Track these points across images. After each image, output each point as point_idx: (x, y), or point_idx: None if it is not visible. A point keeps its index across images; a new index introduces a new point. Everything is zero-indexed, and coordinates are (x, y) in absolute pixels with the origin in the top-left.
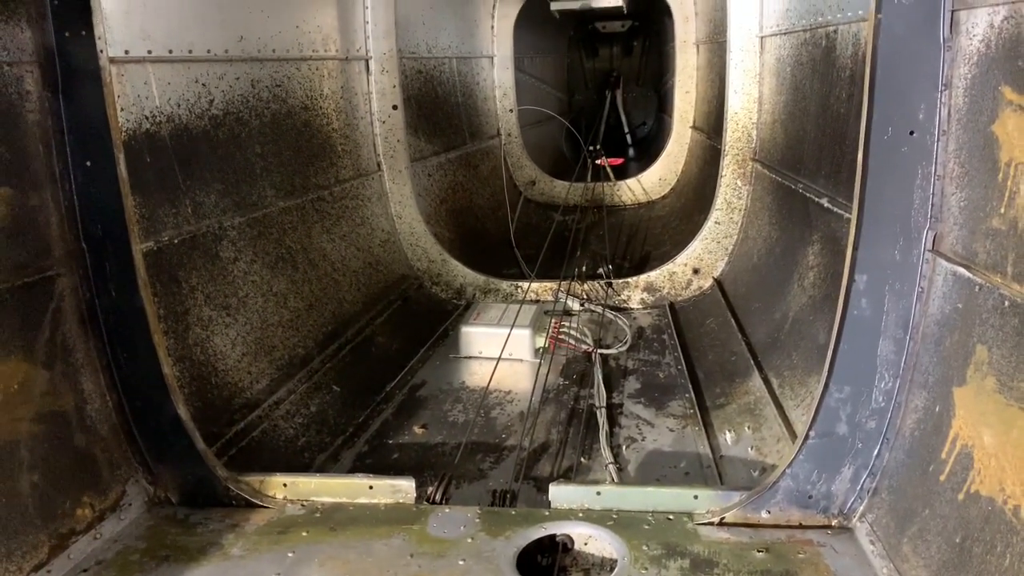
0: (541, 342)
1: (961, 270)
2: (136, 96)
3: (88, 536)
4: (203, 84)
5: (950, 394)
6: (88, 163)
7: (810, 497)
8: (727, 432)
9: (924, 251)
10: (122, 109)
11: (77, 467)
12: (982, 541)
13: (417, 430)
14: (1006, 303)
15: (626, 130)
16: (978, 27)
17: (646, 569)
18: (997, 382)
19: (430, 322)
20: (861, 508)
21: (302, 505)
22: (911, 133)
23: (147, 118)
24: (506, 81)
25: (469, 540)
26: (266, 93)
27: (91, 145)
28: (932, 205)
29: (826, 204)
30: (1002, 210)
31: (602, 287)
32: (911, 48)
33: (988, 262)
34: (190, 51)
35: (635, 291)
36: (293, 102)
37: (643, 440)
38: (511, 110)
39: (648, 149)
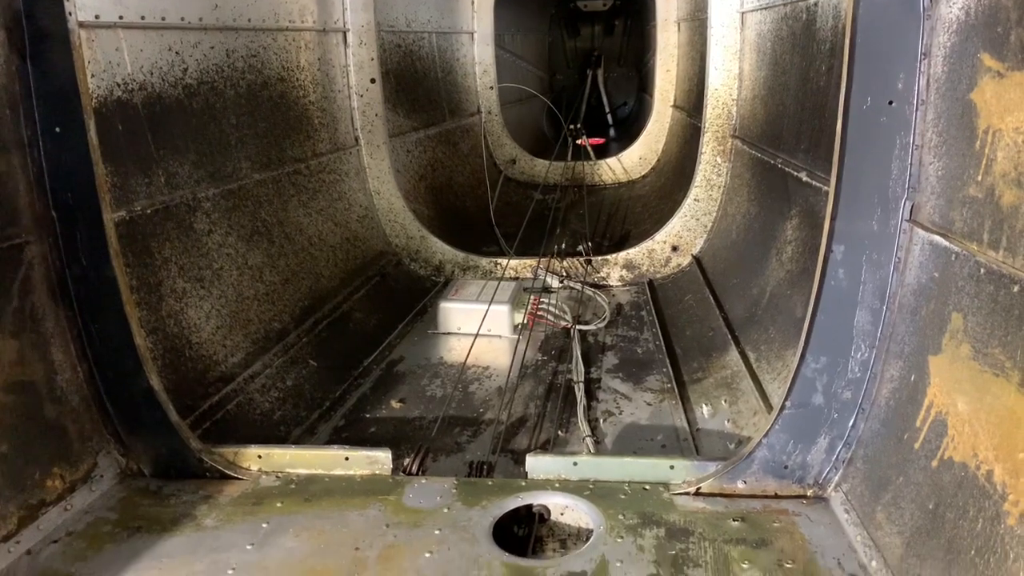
0: (520, 318)
1: (938, 239)
2: (107, 63)
3: (58, 507)
4: (176, 52)
5: (925, 363)
6: (57, 129)
7: (786, 467)
8: (704, 406)
9: (902, 221)
10: (92, 75)
11: (47, 438)
12: (955, 506)
13: (395, 404)
14: (981, 270)
15: (607, 110)
16: None
17: (622, 538)
18: (972, 349)
19: (408, 298)
20: (836, 478)
21: (277, 477)
22: (890, 103)
23: (118, 85)
24: (486, 58)
25: (445, 510)
26: (241, 63)
27: (60, 111)
28: (910, 175)
29: (804, 178)
30: (979, 178)
31: (581, 265)
32: (891, 17)
33: (965, 230)
34: (163, 18)
35: (614, 268)
36: (269, 73)
37: (620, 414)
38: (491, 87)
39: (629, 130)
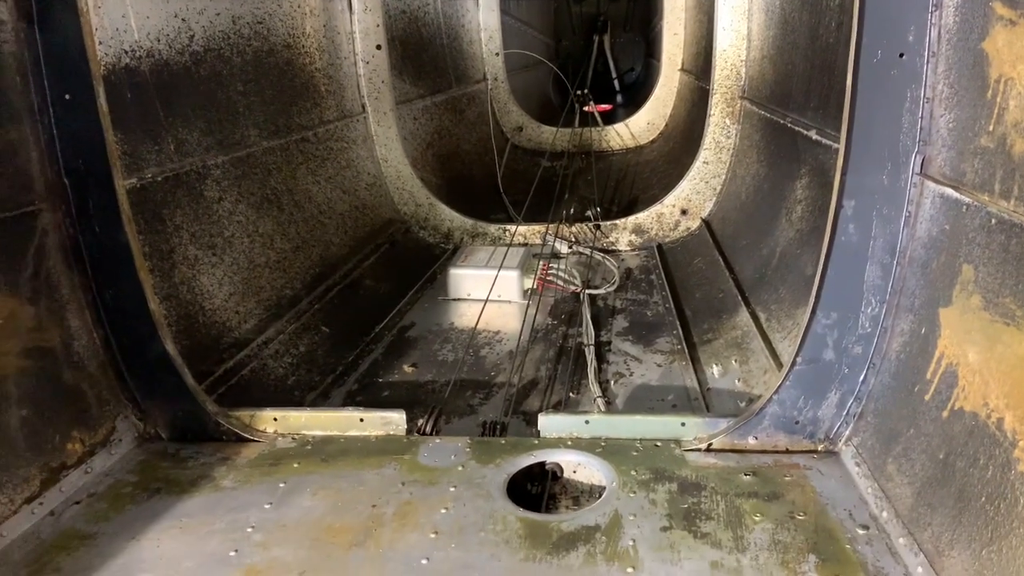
0: (529, 284)
1: (949, 191)
2: (115, 30)
3: (79, 470)
4: (183, 19)
5: (936, 315)
6: (67, 96)
7: (796, 423)
8: (714, 365)
9: (912, 175)
10: (100, 43)
11: (66, 402)
12: (965, 455)
13: (407, 369)
14: (993, 220)
15: (614, 76)
16: None
17: (634, 493)
18: (983, 299)
19: (418, 265)
20: (847, 432)
21: (293, 438)
22: (900, 56)
23: (126, 52)
24: (492, 24)
25: (460, 468)
26: (247, 30)
27: (69, 77)
28: (921, 128)
29: (814, 136)
30: (991, 128)
31: (590, 230)
32: None
33: (976, 181)
34: None
35: (623, 233)
36: (275, 40)
37: (631, 375)
38: (497, 54)
39: (636, 96)
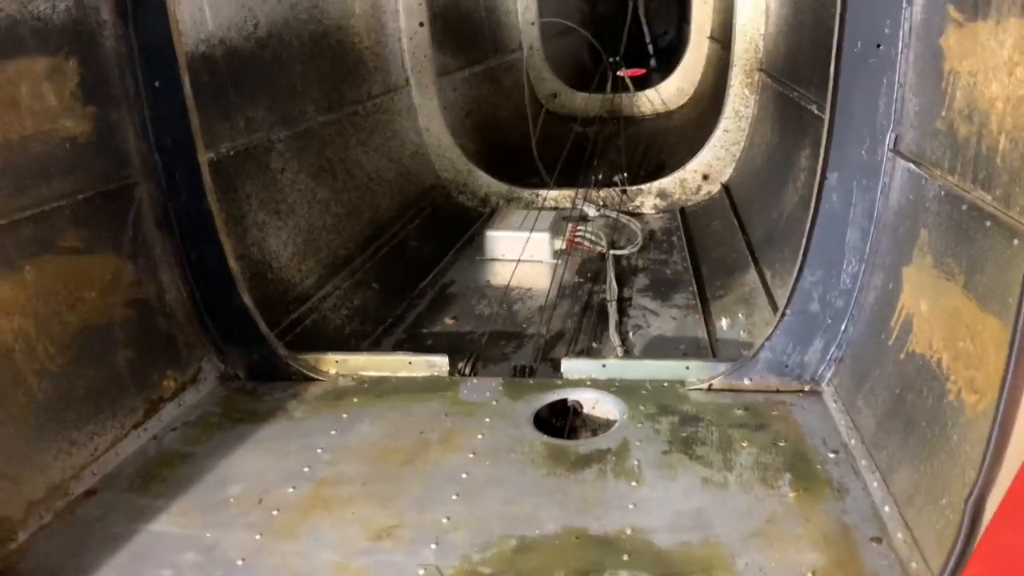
0: (559, 245)
1: (912, 166)
2: (193, 22)
3: (173, 403)
4: (249, 8)
5: (900, 273)
6: (157, 83)
7: (786, 366)
8: (723, 318)
9: (887, 151)
10: (182, 34)
11: (161, 346)
12: (913, 390)
13: (448, 321)
14: (943, 192)
15: (648, 40)
16: None
17: (641, 424)
18: (933, 259)
19: (457, 228)
20: (829, 375)
21: (352, 378)
22: (878, 46)
23: (203, 41)
24: None
25: (494, 403)
26: (304, 15)
27: (159, 67)
28: (894, 110)
29: (815, 111)
30: (943, 113)
31: (617, 194)
32: None
33: (932, 158)
34: None
35: (648, 197)
36: (328, 22)
37: (648, 327)
38: (533, 23)
39: (670, 59)
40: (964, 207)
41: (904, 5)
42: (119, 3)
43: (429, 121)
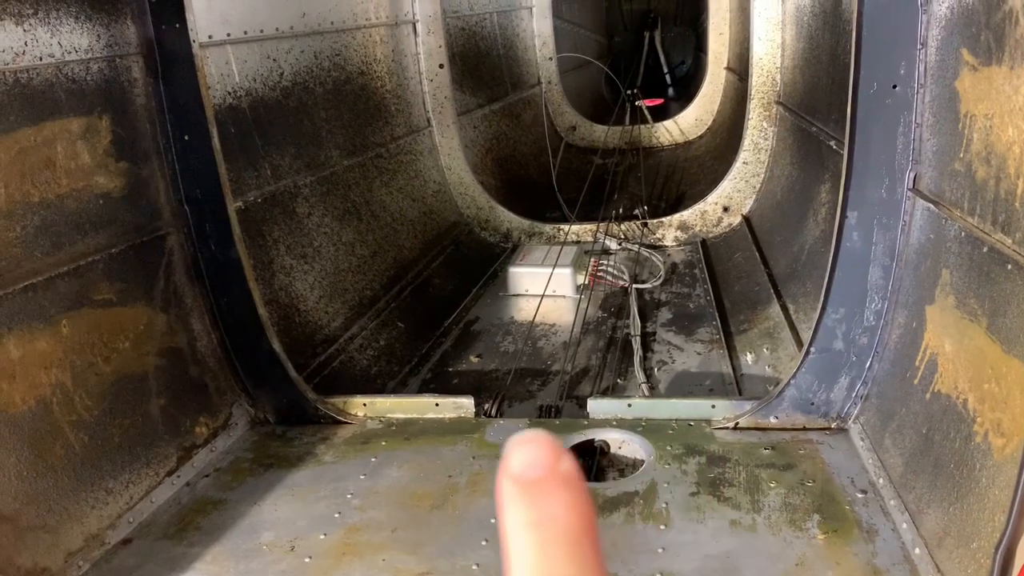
0: (581, 279)
1: (932, 206)
2: (220, 75)
3: (206, 449)
4: (274, 59)
5: (923, 311)
6: (186, 137)
7: (812, 404)
8: (748, 353)
9: (906, 190)
10: (209, 88)
11: (193, 393)
12: (940, 430)
13: (473, 359)
14: (963, 233)
15: (665, 70)
16: None
17: (669, 464)
18: (955, 299)
19: (480, 264)
20: (855, 412)
21: (380, 421)
22: (894, 87)
23: (230, 93)
24: (545, 30)
25: None
26: (327, 63)
27: (188, 121)
28: (912, 150)
29: (834, 146)
30: (961, 155)
31: (638, 227)
32: (892, 10)
33: (951, 199)
34: (261, 31)
35: (669, 230)
36: (351, 69)
37: (673, 363)
38: (550, 58)
39: (688, 88)
40: (985, 249)
41: (918, 47)
42: (150, 61)
43: (451, 160)
